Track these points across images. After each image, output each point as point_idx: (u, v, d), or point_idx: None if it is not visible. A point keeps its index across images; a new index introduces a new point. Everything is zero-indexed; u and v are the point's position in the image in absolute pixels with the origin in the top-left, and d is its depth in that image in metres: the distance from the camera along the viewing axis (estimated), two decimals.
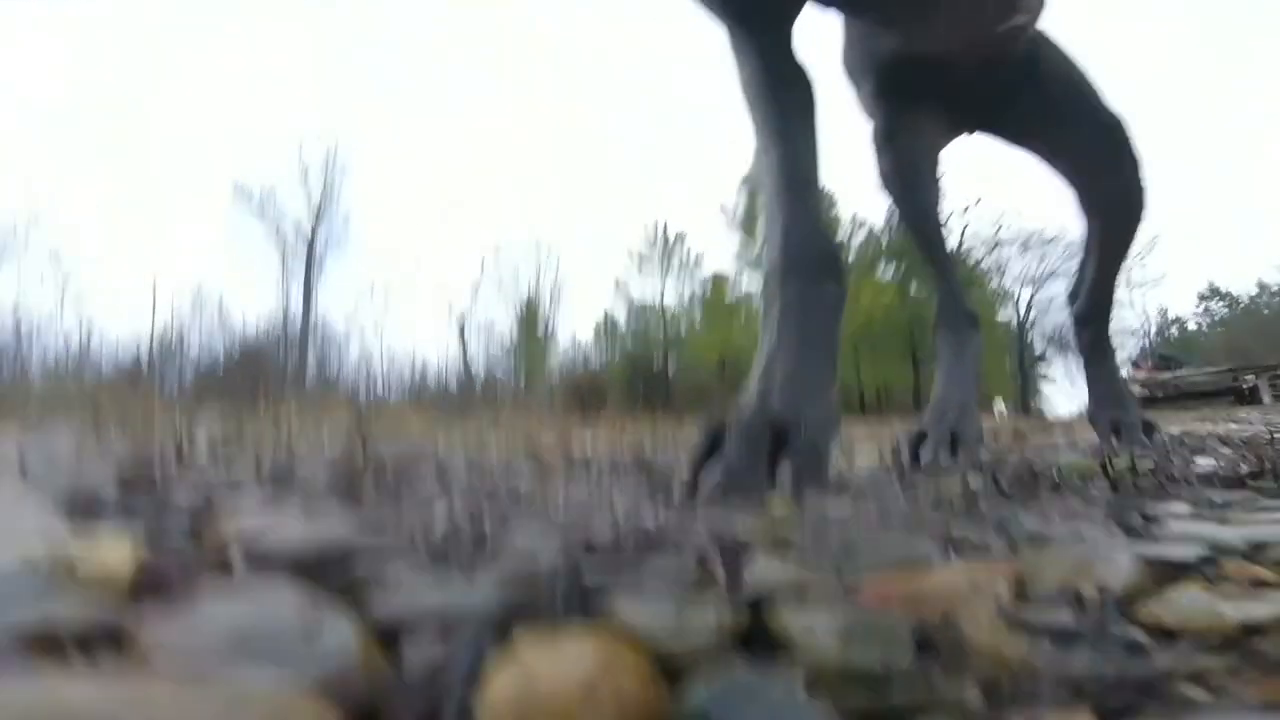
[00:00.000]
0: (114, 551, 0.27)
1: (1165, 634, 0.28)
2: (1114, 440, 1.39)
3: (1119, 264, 1.51)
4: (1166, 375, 11.02)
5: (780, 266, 0.74)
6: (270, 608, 0.21)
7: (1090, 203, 1.42)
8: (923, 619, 0.28)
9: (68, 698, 0.14)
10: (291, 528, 0.37)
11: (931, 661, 0.24)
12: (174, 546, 0.31)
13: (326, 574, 0.30)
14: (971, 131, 1.43)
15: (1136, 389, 11.20)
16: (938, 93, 1.29)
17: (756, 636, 0.26)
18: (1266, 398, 9.33)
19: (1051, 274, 17.02)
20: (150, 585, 0.25)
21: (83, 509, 0.43)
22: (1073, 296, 1.60)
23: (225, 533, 0.38)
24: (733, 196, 16.18)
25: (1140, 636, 0.27)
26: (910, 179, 1.34)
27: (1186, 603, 0.30)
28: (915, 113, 1.31)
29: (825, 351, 0.71)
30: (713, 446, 0.62)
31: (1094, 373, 1.54)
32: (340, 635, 0.20)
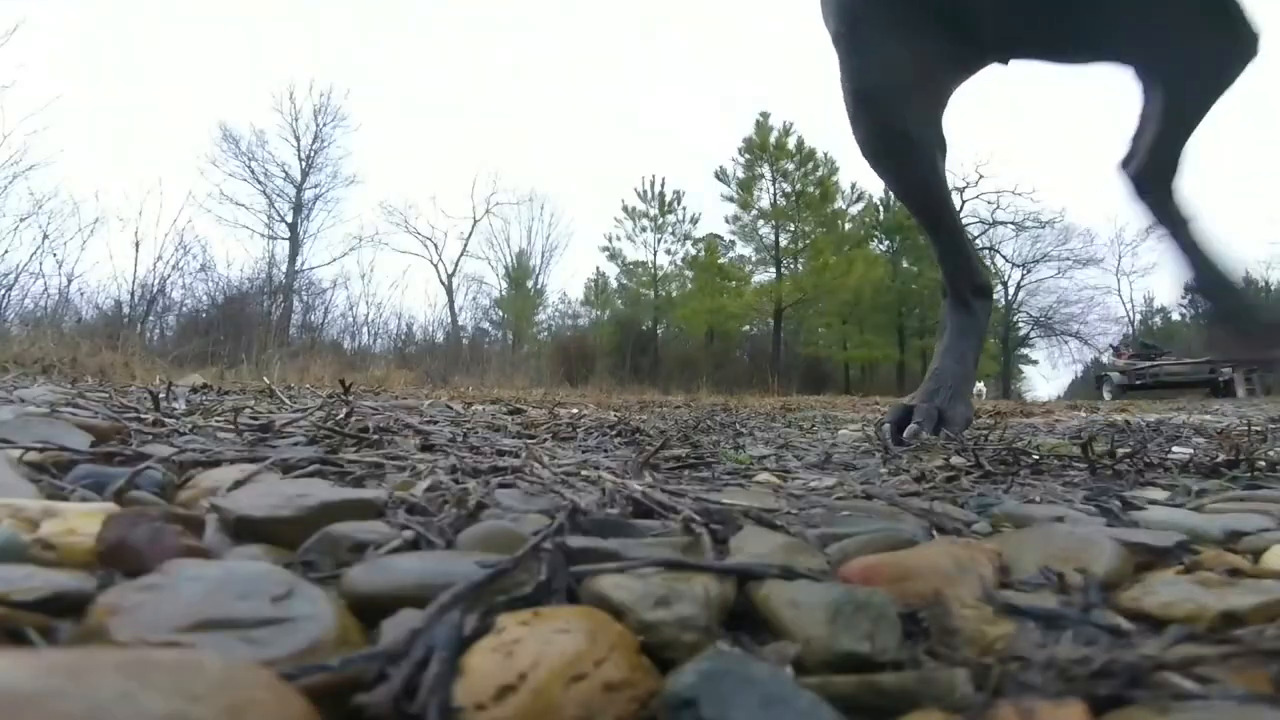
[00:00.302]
0: (82, 517, 0.26)
1: (1148, 620, 0.28)
2: (1221, 326, 1.12)
3: (1196, 120, 1.15)
4: (1146, 364, 11.17)
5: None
6: (241, 576, 0.20)
7: (1167, 62, 1.04)
8: (909, 599, 0.28)
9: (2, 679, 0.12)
10: (268, 489, 0.36)
11: (919, 644, 0.24)
12: (144, 511, 0.29)
13: (303, 540, 0.29)
14: (1007, 60, 1.07)
15: (1116, 375, 11.38)
16: (947, 15, 0.96)
17: (744, 615, 0.25)
18: (1240, 391, 9.51)
19: (1043, 257, 17.12)
20: (118, 552, 0.24)
21: (53, 470, 0.42)
22: (1126, 161, 1.25)
23: (199, 496, 0.37)
24: (731, 159, 15.84)
25: (1124, 623, 0.27)
26: (901, 150, 1.08)
27: (1167, 590, 0.30)
28: (906, 56, 1.00)
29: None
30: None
31: (1177, 241, 1.18)
32: (314, 606, 0.20)
